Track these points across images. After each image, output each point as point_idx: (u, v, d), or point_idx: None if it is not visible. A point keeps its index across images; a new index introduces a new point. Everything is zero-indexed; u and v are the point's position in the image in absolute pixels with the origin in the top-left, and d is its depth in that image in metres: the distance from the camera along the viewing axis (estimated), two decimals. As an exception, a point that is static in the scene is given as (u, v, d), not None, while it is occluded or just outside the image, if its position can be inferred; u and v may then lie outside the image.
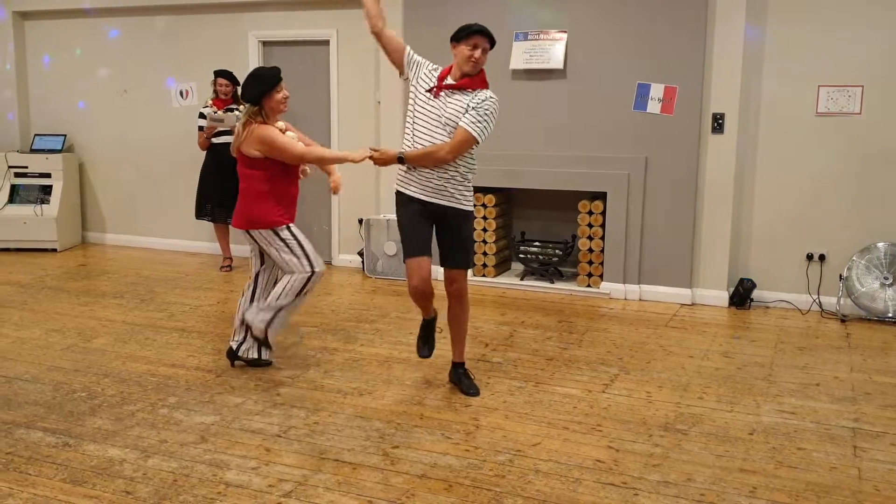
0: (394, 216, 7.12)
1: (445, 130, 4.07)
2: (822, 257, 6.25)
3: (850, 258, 6.09)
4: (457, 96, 4.09)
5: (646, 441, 3.74)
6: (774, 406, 4.22)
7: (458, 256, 4.32)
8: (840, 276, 6.12)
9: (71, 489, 3.23)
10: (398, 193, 4.27)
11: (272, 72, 4.48)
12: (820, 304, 6.23)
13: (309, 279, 4.45)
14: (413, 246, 4.23)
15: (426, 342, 4.52)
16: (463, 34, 4.10)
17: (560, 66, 6.55)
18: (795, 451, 3.66)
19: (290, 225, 4.50)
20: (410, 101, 4.21)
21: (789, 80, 6.18)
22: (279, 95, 4.43)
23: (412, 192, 4.19)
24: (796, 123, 6.20)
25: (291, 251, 4.44)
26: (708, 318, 6.04)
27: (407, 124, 4.22)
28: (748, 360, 5.00)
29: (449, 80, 4.12)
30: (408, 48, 4.23)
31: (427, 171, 4.12)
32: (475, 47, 4.07)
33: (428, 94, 4.12)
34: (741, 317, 6.10)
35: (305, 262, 4.44)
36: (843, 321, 5.98)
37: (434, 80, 4.14)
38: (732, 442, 3.75)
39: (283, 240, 4.44)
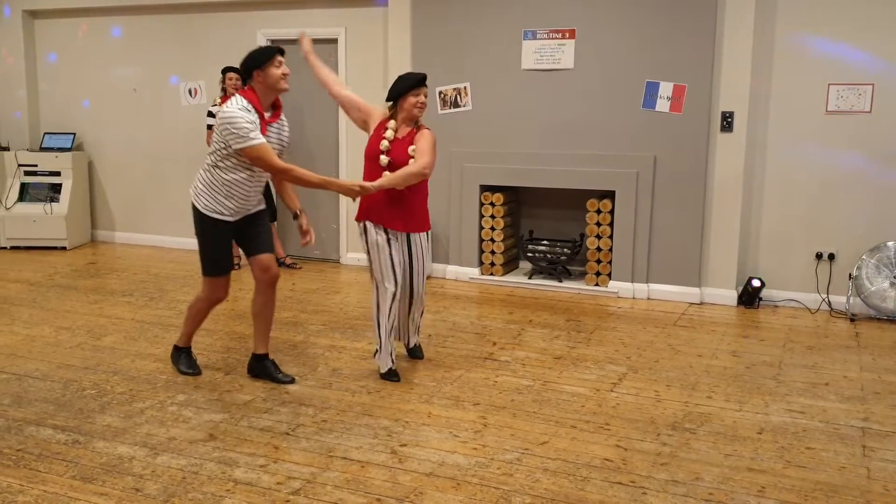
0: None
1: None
2: (831, 256, 6.23)
3: (859, 257, 6.06)
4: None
5: (654, 440, 3.74)
6: (783, 405, 4.21)
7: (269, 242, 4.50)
8: (849, 275, 6.10)
9: (81, 486, 3.25)
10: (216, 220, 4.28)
11: (418, 76, 4.42)
12: (829, 304, 6.21)
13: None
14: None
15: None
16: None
17: (570, 66, 6.55)
18: (804, 451, 3.65)
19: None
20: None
21: (799, 79, 6.16)
22: (415, 99, 4.41)
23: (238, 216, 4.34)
24: (806, 122, 6.18)
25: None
26: (716, 317, 6.03)
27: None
28: (757, 360, 4.99)
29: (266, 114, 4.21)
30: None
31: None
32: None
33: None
34: (750, 316, 6.08)
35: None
36: (852, 320, 5.96)
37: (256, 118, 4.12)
38: (741, 441, 3.74)
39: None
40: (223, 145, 4.10)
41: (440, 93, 7.01)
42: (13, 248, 8.42)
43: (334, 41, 7.61)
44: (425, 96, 4.44)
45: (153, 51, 8.44)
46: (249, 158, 4.07)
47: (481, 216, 7.05)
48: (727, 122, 6.23)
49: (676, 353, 5.10)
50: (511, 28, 6.73)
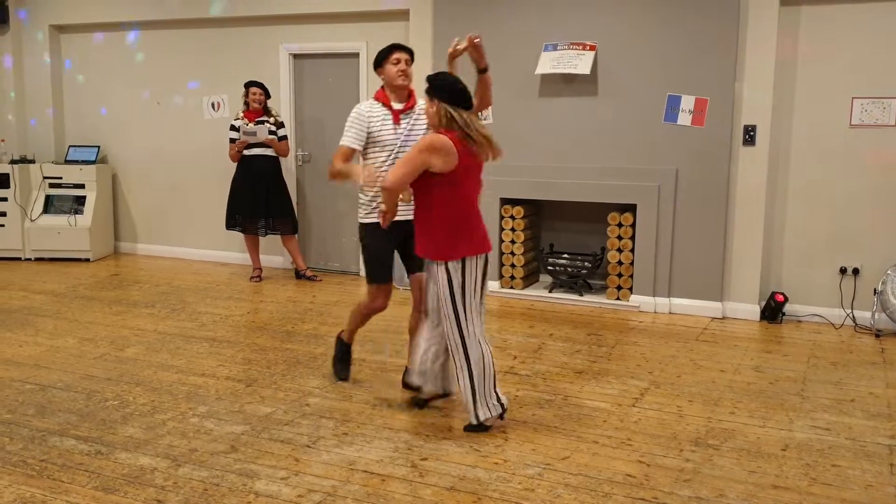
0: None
1: None
2: (855, 271, 6.17)
3: (884, 272, 5.99)
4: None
5: (676, 456, 3.71)
6: (808, 422, 4.16)
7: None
8: (874, 290, 6.03)
9: (103, 497, 3.26)
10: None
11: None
12: (854, 319, 6.14)
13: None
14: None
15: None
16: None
17: (587, 71, 6.52)
18: (830, 468, 3.60)
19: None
20: (380, 141, 4.27)
21: (822, 92, 6.12)
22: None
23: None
24: (829, 135, 6.13)
25: None
26: (739, 332, 5.98)
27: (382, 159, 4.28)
28: (780, 375, 4.94)
29: (397, 105, 4.31)
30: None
31: None
32: (398, 61, 4.30)
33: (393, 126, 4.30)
34: (773, 331, 6.02)
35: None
36: (877, 336, 5.89)
37: (383, 113, 4.28)
38: (765, 458, 3.70)
39: None
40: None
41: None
42: (38, 259, 8.51)
43: (356, 55, 7.65)
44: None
45: (177, 65, 8.51)
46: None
47: (501, 229, 7.04)
48: (749, 135, 6.20)
49: (699, 367, 5.06)
50: (532, 41, 6.74)
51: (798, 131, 6.23)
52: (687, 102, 6.30)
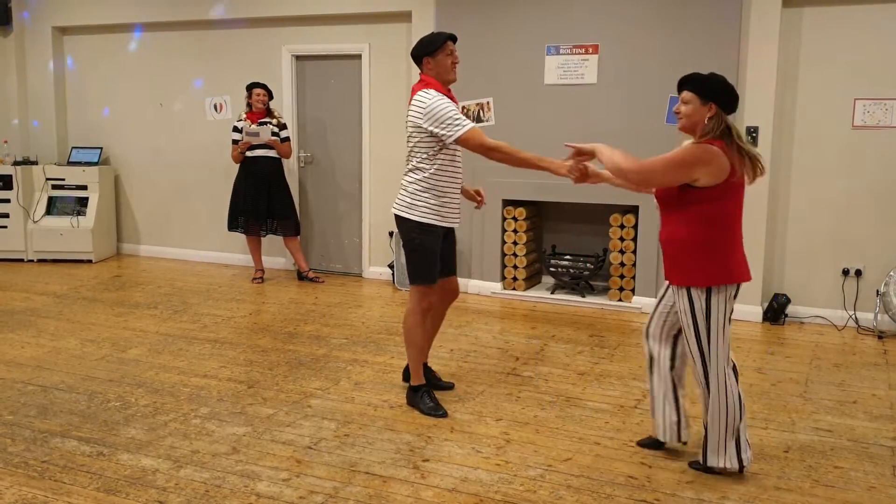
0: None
1: None
2: (858, 272, 6.16)
3: (887, 273, 5.99)
4: None
5: (679, 457, 3.70)
6: (810, 423, 4.15)
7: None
8: (877, 291, 6.02)
9: (104, 498, 3.26)
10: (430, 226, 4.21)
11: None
12: (856, 320, 6.13)
13: None
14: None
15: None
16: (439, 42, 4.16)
17: (593, 81, 6.54)
18: (832, 470, 3.59)
19: None
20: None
21: (824, 93, 6.11)
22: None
23: (449, 222, 4.28)
24: (832, 137, 6.13)
25: None
26: (742, 333, 5.97)
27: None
28: (783, 377, 4.93)
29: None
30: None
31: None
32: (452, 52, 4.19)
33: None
34: (775, 332, 6.02)
35: None
36: (880, 338, 5.88)
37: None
38: (767, 459, 3.69)
39: None
40: (429, 144, 4.07)
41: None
42: (40, 260, 8.52)
43: (358, 57, 7.66)
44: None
45: (179, 66, 8.52)
46: (464, 145, 4.04)
47: (504, 230, 7.04)
48: (752, 136, 6.19)
49: (701, 369, 5.05)
50: (534, 43, 6.74)
51: (800, 133, 6.23)
52: (689, 104, 6.29)
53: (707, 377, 3.38)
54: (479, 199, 4.51)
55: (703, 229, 3.32)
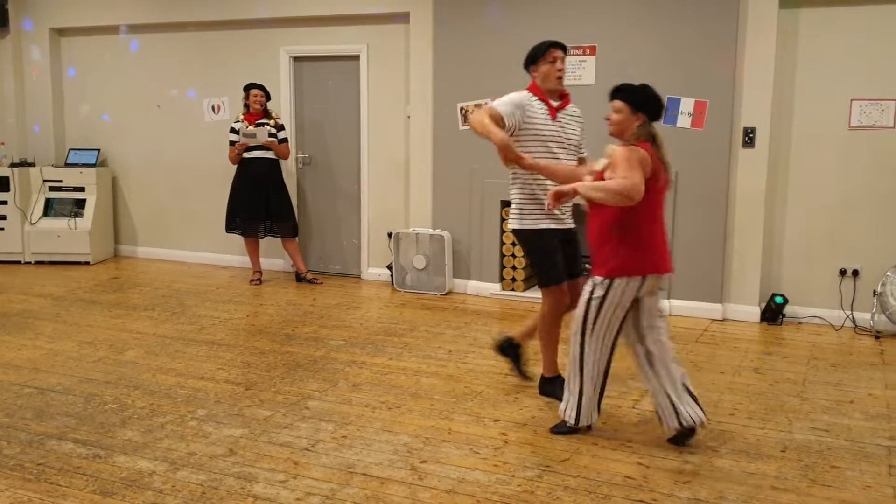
0: (423, 229, 7.18)
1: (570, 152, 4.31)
2: (855, 272, 6.16)
3: (884, 273, 5.99)
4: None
5: (676, 457, 3.70)
6: (807, 423, 4.15)
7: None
8: (874, 291, 6.02)
9: (101, 501, 3.26)
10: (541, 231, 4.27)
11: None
12: (853, 320, 6.14)
13: None
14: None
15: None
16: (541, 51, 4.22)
17: (591, 82, 6.54)
18: (829, 470, 3.59)
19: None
20: (538, 134, 4.22)
21: (821, 94, 6.12)
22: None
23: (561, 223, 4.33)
24: (829, 137, 6.13)
25: None
26: (739, 333, 5.97)
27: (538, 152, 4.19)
28: (780, 377, 4.93)
29: (553, 102, 4.26)
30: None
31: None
32: (555, 60, 4.22)
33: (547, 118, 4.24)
34: (773, 332, 6.02)
35: None
36: (877, 337, 5.88)
37: (541, 106, 4.23)
38: (764, 459, 3.69)
39: None
40: (518, 145, 4.15)
41: (461, 109, 7.03)
42: (37, 262, 8.51)
43: (356, 58, 7.65)
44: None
45: (177, 68, 8.52)
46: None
47: (502, 231, 7.04)
48: (749, 137, 6.20)
49: (698, 369, 5.05)
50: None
51: (797, 133, 6.23)
52: (686, 105, 6.30)
53: (582, 348, 3.79)
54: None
55: (622, 225, 3.65)
